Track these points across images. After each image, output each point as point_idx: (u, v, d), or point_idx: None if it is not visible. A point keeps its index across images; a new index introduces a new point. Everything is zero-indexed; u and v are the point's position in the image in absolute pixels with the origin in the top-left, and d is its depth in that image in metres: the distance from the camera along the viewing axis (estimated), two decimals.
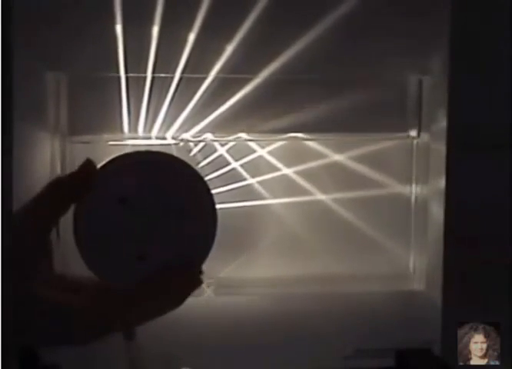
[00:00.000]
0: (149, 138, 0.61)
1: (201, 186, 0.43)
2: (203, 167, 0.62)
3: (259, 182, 0.64)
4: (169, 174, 0.42)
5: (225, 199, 0.62)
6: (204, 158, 0.63)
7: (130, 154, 0.43)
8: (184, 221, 0.42)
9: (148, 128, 0.61)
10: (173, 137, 0.62)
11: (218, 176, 0.63)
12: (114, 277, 0.42)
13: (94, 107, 0.60)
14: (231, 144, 0.63)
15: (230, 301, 0.63)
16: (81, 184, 0.41)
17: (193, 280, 0.43)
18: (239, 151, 0.64)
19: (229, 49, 0.60)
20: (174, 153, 0.44)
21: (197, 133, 0.62)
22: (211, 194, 0.43)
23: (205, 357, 0.62)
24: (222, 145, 0.63)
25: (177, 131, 0.61)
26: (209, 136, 0.62)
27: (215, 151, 0.63)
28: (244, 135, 0.63)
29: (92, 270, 0.42)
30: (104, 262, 0.42)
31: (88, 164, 0.42)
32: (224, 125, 0.62)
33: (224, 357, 0.62)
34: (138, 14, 0.59)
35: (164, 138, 0.61)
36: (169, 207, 0.42)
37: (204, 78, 0.61)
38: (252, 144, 0.64)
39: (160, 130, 0.61)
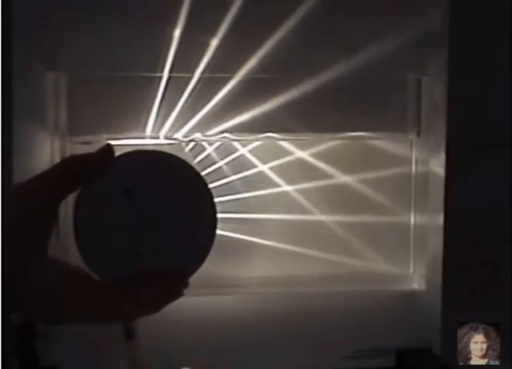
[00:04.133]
0: (152, 138, 0.61)
1: (204, 191, 0.43)
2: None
3: (244, 179, 0.64)
4: (175, 176, 0.42)
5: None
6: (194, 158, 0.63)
7: (143, 151, 0.43)
8: (183, 223, 0.42)
9: (150, 128, 0.61)
10: (166, 137, 0.61)
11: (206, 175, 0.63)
12: (104, 270, 0.42)
13: (95, 107, 0.60)
14: (218, 143, 0.63)
15: (230, 301, 0.63)
16: (97, 166, 0.41)
17: (175, 291, 0.43)
18: (225, 151, 0.64)
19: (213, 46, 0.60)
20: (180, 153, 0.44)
21: (187, 132, 0.62)
22: (214, 201, 0.43)
23: (205, 356, 0.62)
24: (210, 144, 0.63)
25: (170, 130, 0.61)
26: (198, 135, 0.62)
27: (204, 150, 0.63)
28: (228, 135, 0.62)
29: (85, 261, 0.42)
30: (98, 253, 0.42)
31: (108, 148, 0.42)
32: (211, 125, 0.62)
33: (224, 357, 0.62)
34: (134, 12, 0.59)
35: (170, 138, 0.62)
36: (171, 207, 0.42)
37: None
38: (236, 144, 0.64)
39: (158, 130, 0.61)
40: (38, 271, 0.38)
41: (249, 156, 0.64)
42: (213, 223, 0.43)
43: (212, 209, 0.43)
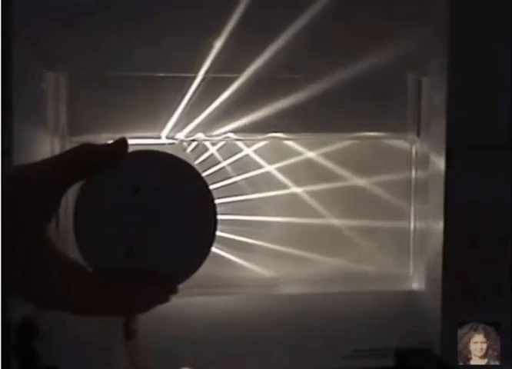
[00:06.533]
0: (151, 138, 0.61)
1: (206, 195, 0.43)
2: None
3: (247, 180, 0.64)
4: (180, 178, 0.42)
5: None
6: (196, 158, 0.63)
7: (152, 151, 0.43)
8: (183, 226, 0.42)
9: (150, 128, 0.61)
10: (167, 137, 0.62)
11: (208, 175, 0.63)
12: (97, 263, 0.42)
13: (95, 106, 0.60)
14: (221, 143, 0.63)
15: (230, 301, 0.63)
16: (109, 157, 0.41)
17: (162, 296, 0.42)
18: (228, 151, 0.64)
19: (217, 46, 0.60)
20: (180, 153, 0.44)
21: (189, 133, 0.62)
22: (215, 207, 0.43)
23: (205, 356, 0.62)
24: (213, 144, 0.63)
25: (172, 130, 0.61)
26: (201, 136, 0.62)
27: (206, 150, 0.63)
28: (232, 135, 0.62)
29: (80, 251, 0.42)
30: (94, 245, 0.42)
31: (122, 141, 0.41)
32: (214, 125, 0.62)
33: (224, 357, 0.63)
34: (134, 13, 0.59)
35: (168, 138, 0.62)
36: (172, 209, 0.42)
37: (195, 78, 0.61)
38: (240, 144, 0.64)
39: (159, 129, 0.61)
40: (33, 254, 0.38)
41: (254, 156, 0.64)
42: (213, 228, 0.43)
43: (213, 214, 0.43)
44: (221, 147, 0.63)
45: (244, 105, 0.62)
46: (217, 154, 0.63)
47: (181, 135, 0.61)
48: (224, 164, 0.63)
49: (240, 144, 0.64)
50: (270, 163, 0.64)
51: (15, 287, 0.38)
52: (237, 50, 0.60)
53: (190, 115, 0.61)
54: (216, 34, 0.60)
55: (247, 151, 0.64)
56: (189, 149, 0.62)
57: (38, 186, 0.38)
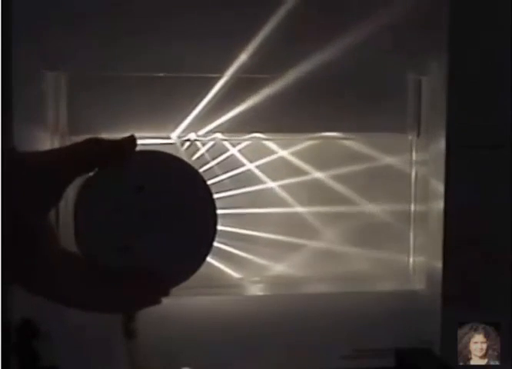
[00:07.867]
0: (150, 138, 0.61)
1: (208, 200, 0.43)
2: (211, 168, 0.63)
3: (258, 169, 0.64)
4: (183, 181, 0.42)
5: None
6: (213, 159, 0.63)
7: (156, 151, 0.43)
8: (182, 228, 0.42)
9: (149, 128, 0.61)
10: (178, 137, 0.62)
11: (229, 177, 0.63)
12: (93, 257, 0.41)
13: (95, 106, 0.60)
14: (244, 144, 0.63)
15: (230, 301, 0.63)
16: (118, 153, 0.41)
17: (153, 297, 0.42)
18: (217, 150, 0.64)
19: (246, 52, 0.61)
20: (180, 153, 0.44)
21: (205, 133, 0.62)
22: (216, 211, 0.43)
23: (205, 356, 0.62)
24: (234, 145, 0.63)
25: (183, 131, 0.62)
26: (219, 136, 0.62)
27: (226, 151, 0.63)
28: (259, 135, 0.63)
29: (77, 244, 0.41)
30: (91, 240, 0.41)
31: (131, 139, 0.41)
32: (233, 126, 0.62)
33: (224, 357, 0.63)
34: (133, 13, 0.59)
35: (169, 138, 0.62)
36: (172, 211, 0.42)
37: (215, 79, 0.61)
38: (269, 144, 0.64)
39: (166, 130, 0.61)
40: (31, 243, 0.38)
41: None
42: (212, 232, 0.43)
43: (213, 219, 0.43)
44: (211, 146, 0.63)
45: (234, 104, 0.62)
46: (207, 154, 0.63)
47: (193, 135, 0.62)
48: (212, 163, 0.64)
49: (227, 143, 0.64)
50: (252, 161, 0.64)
51: (14, 276, 0.38)
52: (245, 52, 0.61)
53: (191, 116, 0.61)
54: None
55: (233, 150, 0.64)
56: (204, 149, 0.63)
57: (39, 173, 0.38)
